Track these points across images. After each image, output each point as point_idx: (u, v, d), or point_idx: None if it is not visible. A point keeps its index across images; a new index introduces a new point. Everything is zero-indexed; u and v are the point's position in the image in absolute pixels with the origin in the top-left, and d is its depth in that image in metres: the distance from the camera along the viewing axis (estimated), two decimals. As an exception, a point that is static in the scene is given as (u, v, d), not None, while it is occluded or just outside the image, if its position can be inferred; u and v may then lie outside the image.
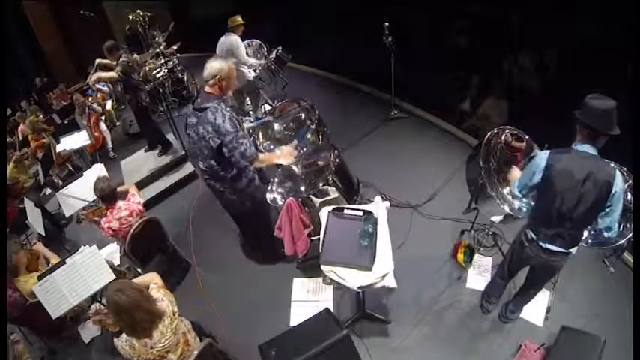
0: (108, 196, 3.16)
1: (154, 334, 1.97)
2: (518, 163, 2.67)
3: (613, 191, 1.88)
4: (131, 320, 1.91)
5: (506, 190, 2.74)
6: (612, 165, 1.99)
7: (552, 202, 2.01)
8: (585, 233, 2.46)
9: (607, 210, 1.95)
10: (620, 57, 2.99)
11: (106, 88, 7.71)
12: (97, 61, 4.84)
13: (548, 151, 2.03)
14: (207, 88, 2.65)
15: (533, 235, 2.21)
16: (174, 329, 2.04)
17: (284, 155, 2.88)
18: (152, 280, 2.30)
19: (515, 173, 2.41)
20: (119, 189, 3.49)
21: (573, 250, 2.16)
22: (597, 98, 1.88)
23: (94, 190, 3.17)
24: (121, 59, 4.54)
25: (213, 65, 2.59)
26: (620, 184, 1.89)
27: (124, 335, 2.01)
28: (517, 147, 2.73)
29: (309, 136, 3.33)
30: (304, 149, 3.30)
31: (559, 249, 2.14)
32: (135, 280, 2.43)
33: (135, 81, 4.74)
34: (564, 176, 1.93)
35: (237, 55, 4.87)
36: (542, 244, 2.17)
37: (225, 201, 2.97)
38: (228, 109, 2.63)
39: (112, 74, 4.55)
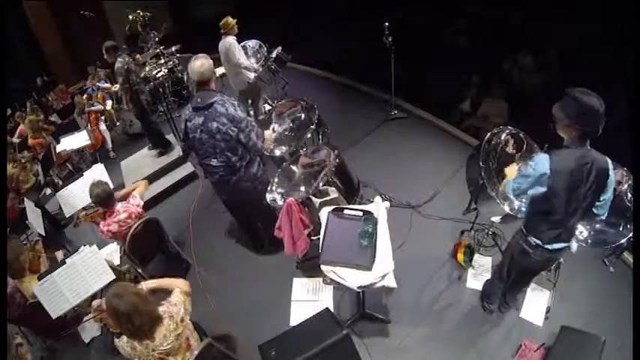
0: (104, 201, 3.11)
1: (157, 337, 1.96)
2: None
3: (610, 176, 1.96)
4: (131, 325, 1.89)
5: (506, 190, 2.73)
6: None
7: (562, 202, 1.99)
8: (585, 233, 2.47)
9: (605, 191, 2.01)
10: (620, 57, 3.00)
11: (107, 85, 7.72)
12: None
13: (546, 156, 1.97)
14: (203, 87, 2.70)
15: (536, 241, 2.18)
16: (177, 335, 2.04)
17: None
18: (178, 285, 2.26)
19: (511, 170, 2.36)
20: (125, 190, 3.47)
21: (572, 243, 2.19)
22: (588, 96, 1.83)
23: (90, 197, 3.11)
24: (116, 65, 4.53)
25: (195, 65, 2.62)
26: (612, 167, 1.97)
27: (124, 336, 2.00)
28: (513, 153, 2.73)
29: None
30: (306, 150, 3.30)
31: (564, 245, 2.17)
32: (156, 282, 2.39)
33: (136, 85, 4.71)
34: (571, 176, 1.93)
35: (230, 57, 4.67)
36: (549, 246, 2.16)
37: (239, 191, 2.98)
38: (232, 98, 2.74)
39: (114, 86, 4.63)
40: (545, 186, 1.97)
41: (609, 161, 1.95)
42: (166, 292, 2.23)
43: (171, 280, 2.36)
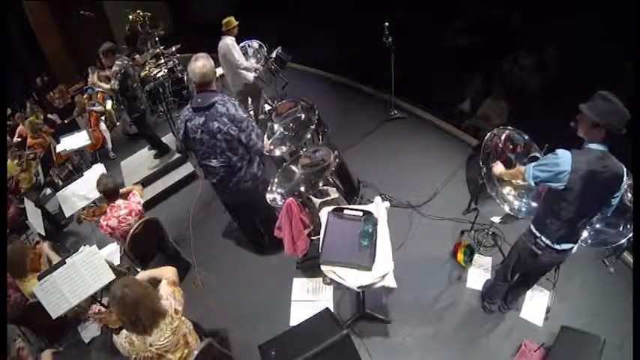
0: (110, 192, 3.21)
1: (153, 331, 1.98)
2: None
3: (624, 181, 1.98)
4: (135, 316, 1.91)
5: (505, 190, 2.73)
6: None
7: (576, 201, 2.00)
8: (585, 233, 2.47)
9: (615, 196, 2.04)
10: (620, 57, 3.00)
11: (107, 86, 7.73)
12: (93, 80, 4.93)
13: (569, 154, 1.97)
14: (204, 87, 2.67)
15: (546, 241, 2.18)
16: (174, 329, 2.04)
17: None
18: (164, 275, 2.28)
19: (500, 167, 2.43)
20: (122, 190, 3.50)
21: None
22: (612, 98, 1.89)
23: (97, 185, 3.21)
24: (113, 69, 4.41)
25: (197, 66, 2.57)
26: (626, 173, 1.99)
27: (123, 332, 2.02)
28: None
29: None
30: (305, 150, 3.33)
31: (571, 245, 2.19)
32: (148, 272, 2.42)
33: (130, 91, 4.63)
34: (590, 178, 1.93)
35: (230, 58, 4.69)
36: (558, 247, 2.17)
37: (240, 191, 2.97)
38: (232, 98, 2.74)
39: (107, 87, 4.68)
40: (565, 182, 1.97)
41: (624, 168, 1.97)
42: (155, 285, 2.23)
43: (160, 270, 2.40)
